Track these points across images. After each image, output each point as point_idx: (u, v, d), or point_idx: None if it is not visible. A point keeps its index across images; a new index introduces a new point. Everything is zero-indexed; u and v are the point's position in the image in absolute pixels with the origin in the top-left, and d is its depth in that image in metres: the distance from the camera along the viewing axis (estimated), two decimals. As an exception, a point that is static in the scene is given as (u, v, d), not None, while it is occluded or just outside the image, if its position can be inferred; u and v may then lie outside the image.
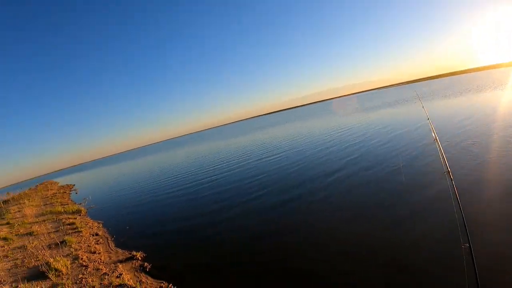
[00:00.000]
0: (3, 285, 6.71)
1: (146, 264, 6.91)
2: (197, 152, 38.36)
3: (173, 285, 5.83)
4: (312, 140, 21.44)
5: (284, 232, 7.09)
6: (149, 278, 6.23)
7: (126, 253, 7.89)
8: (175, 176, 20.30)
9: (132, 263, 7.12)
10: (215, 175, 16.58)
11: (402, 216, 6.46)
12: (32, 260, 7.99)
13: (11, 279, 7.00)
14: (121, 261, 7.35)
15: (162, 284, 5.90)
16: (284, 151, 19.30)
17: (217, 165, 20.38)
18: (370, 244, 5.65)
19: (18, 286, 6.39)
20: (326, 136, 21.90)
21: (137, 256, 7.44)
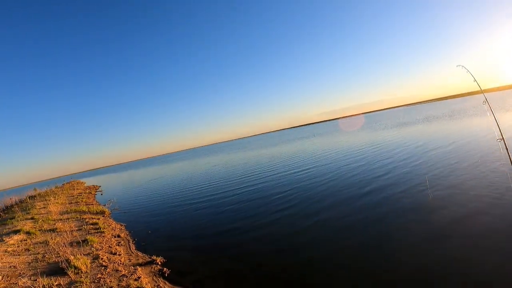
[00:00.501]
0: (22, 277, 6.63)
1: (165, 269, 6.65)
2: (224, 162, 38.27)
3: None
4: (342, 156, 20.77)
5: (309, 255, 6.50)
6: (167, 283, 5.97)
7: (146, 257, 7.69)
8: (200, 186, 20.12)
9: (151, 267, 6.88)
10: (240, 188, 16.25)
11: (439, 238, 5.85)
12: (53, 256, 7.93)
13: (30, 272, 6.93)
14: (140, 264, 7.13)
15: None
16: (311, 167, 18.65)
17: (242, 177, 20.07)
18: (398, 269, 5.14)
19: (37, 279, 6.27)
20: (356, 152, 21.19)
21: (157, 260, 7.20)
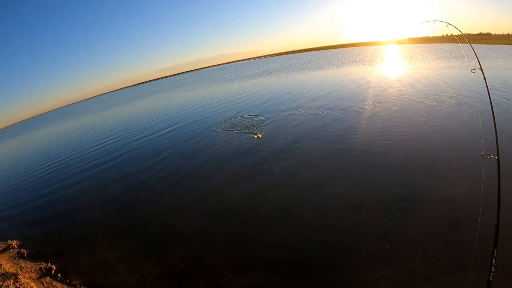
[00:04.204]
0: None
1: (23, 250, 8.26)
2: (66, 131, 36.85)
3: (52, 263, 7.52)
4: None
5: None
6: (28, 263, 7.72)
7: (1, 243, 8.88)
8: (45, 166, 18.16)
9: (10, 252, 8.35)
10: (102, 158, 16.93)
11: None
12: None
13: None
14: (-3, 253, 8.39)
15: (41, 265, 7.50)
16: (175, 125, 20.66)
17: (100, 145, 19.98)
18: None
19: None
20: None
21: (13, 244, 8.65)
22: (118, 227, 8.61)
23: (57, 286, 6.62)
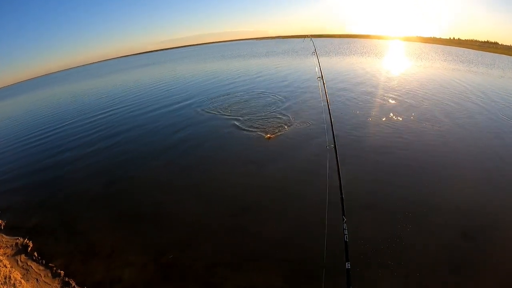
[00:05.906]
0: None
1: (0, 222, 7.67)
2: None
3: (29, 239, 6.98)
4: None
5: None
6: (4, 236, 7.12)
7: None
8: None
9: None
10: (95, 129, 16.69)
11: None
12: None
13: None
14: (-31, 226, 7.69)
15: (17, 240, 6.93)
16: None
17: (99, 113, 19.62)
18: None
19: None
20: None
21: None
22: (105, 206, 7.97)
23: (32, 266, 6.04)
